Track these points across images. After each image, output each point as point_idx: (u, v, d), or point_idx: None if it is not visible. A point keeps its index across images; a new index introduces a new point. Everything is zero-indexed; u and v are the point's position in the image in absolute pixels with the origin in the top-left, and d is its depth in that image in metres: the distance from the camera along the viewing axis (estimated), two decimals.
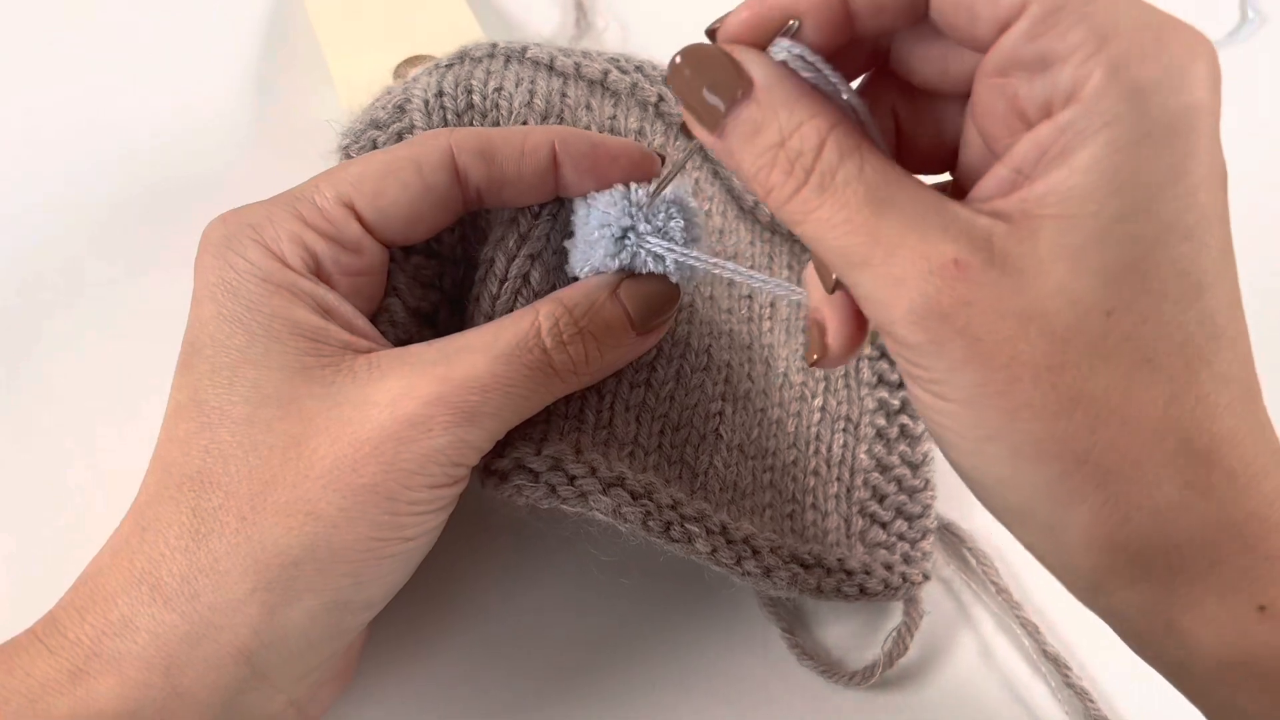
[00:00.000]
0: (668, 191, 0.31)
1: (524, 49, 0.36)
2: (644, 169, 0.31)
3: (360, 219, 0.30)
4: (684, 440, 0.35)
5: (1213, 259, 0.22)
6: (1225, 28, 0.55)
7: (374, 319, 0.31)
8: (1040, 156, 0.22)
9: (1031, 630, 0.38)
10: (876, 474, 0.40)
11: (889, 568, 0.38)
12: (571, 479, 0.32)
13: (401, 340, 0.31)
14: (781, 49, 0.24)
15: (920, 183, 0.24)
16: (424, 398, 0.27)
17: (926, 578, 0.38)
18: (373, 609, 0.30)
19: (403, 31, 0.47)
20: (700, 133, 0.26)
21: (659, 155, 0.32)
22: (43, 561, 0.36)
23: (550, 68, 0.36)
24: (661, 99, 0.37)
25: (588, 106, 0.35)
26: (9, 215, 0.45)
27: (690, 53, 0.25)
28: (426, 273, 0.33)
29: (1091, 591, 0.25)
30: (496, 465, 0.31)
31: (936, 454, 0.41)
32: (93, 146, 0.47)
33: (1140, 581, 0.24)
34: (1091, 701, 0.37)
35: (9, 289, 0.43)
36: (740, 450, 0.37)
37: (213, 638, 0.26)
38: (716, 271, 0.31)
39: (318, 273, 0.29)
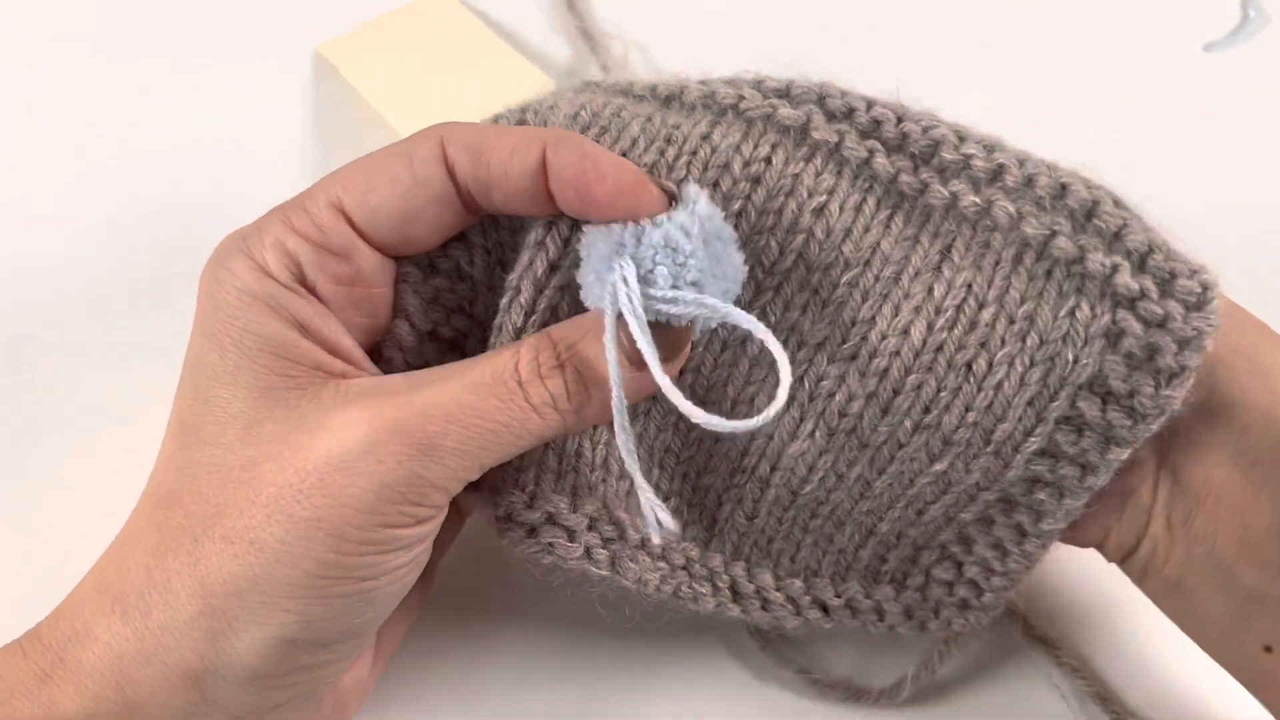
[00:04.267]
0: (675, 222, 0.27)
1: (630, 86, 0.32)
2: (635, 198, 0.27)
3: (350, 221, 0.28)
4: (707, 488, 0.32)
5: None
6: (1225, 28, 0.56)
7: (380, 344, 0.30)
8: None
9: (1021, 612, 0.36)
10: None
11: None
12: (605, 541, 0.30)
13: (414, 369, 0.29)
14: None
15: None
16: (376, 424, 0.26)
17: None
18: (334, 649, 0.28)
19: (461, 88, 0.46)
20: None
21: (665, 190, 0.28)
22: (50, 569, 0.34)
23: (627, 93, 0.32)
24: (742, 98, 0.30)
25: (648, 118, 0.30)
26: (40, 231, 0.45)
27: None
28: (451, 296, 0.31)
29: None
30: (525, 517, 0.30)
31: None
32: (124, 167, 0.47)
33: None
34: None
35: (35, 304, 0.43)
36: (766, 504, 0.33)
37: (161, 658, 0.26)
38: (729, 320, 0.27)
39: (301, 281, 0.28)
